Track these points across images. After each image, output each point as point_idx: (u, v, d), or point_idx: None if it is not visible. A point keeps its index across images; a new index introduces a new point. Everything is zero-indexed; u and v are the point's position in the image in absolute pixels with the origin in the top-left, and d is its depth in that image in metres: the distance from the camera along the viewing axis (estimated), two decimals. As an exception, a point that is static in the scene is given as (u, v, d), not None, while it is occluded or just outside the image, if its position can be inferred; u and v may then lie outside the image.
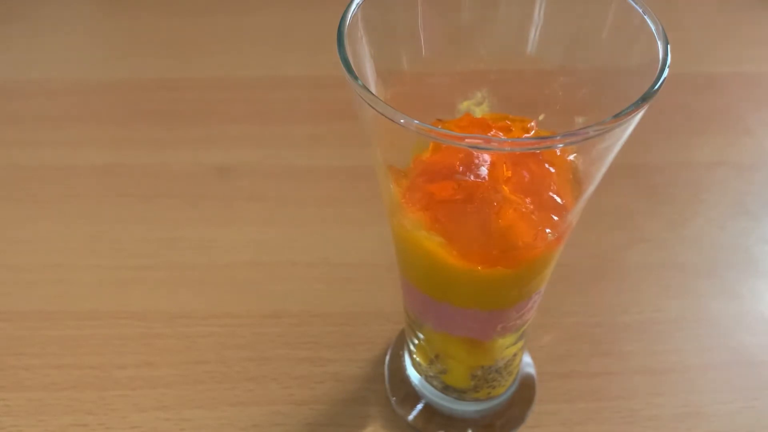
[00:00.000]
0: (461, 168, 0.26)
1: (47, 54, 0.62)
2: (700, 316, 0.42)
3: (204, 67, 0.60)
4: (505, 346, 0.33)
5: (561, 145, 0.22)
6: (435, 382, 0.36)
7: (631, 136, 0.25)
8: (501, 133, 0.27)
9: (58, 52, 0.63)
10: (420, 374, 0.37)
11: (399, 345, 0.39)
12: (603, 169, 0.26)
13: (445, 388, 0.36)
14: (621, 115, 0.22)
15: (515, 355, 0.35)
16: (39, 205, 0.48)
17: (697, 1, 0.68)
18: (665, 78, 0.23)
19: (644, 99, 0.22)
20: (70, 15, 0.67)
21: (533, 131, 0.28)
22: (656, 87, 0.23)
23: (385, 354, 0.40)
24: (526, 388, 0.38)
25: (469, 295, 0.30)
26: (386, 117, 0.22)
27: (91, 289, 0.43)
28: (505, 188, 0.26)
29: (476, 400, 0.36)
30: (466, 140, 0.22)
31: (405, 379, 0.38)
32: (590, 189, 0.26)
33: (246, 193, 0.49)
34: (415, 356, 0.36)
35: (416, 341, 0.35)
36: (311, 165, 0.51)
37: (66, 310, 0.42)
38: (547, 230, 0.26)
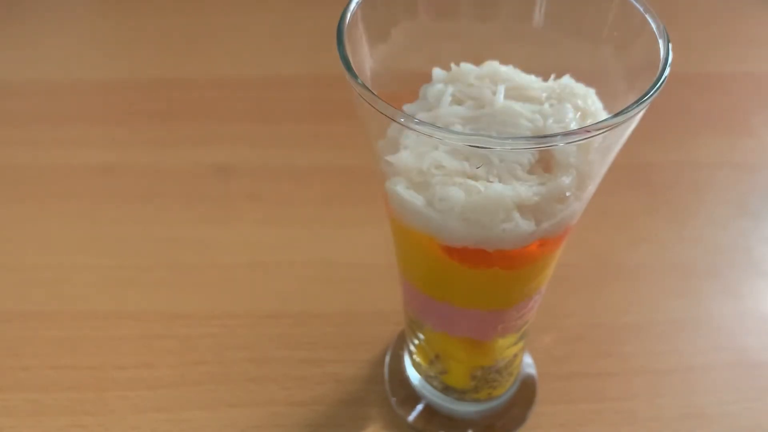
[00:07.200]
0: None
1: (47, 54, 0.62)
2: (702, 316, 0.42)
3: (203, 67, 0.60)
4: (505, 346, 0.33)
5: (561, 145, 0.22)
6: (435, 383, 0.36)
7: (632, 135, 0.25)
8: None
9: (58, 52, 0.63)
10: (420, 375, 0.37)
11: (399, 345, 0.39)
12: (604, 169, 0.26)
13: (446, 389, 0.36)
14: (621, 115, 0.22)
15: (516, 355, 0.35)
16: (37, 205, 0.48)
17: (698, 0, 0.67)
18: (666, 77, 0.23)
19: (645, 98, 0.22)
20: (70, 15, 0.67)
21: None
22: (657, 86, 0.23)
23: (385, 354, 0.39)
24: (526, 389, 0.38)
25: (469, 295, 0.30)
26: (386, 116, 0.22)
27: (89, 289, 0.43)
28: None
29: (476, 400, 0.36)
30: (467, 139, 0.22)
31: (405, 380, 0.38)
32: (591, 189, 0.26)
33: (245, 193, 0.49)
34: (415, 357, 0.36)
35: (416, 341, 0.35)
36: (310, 165, 0.51)
37: (64, 310, 0.42)
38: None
